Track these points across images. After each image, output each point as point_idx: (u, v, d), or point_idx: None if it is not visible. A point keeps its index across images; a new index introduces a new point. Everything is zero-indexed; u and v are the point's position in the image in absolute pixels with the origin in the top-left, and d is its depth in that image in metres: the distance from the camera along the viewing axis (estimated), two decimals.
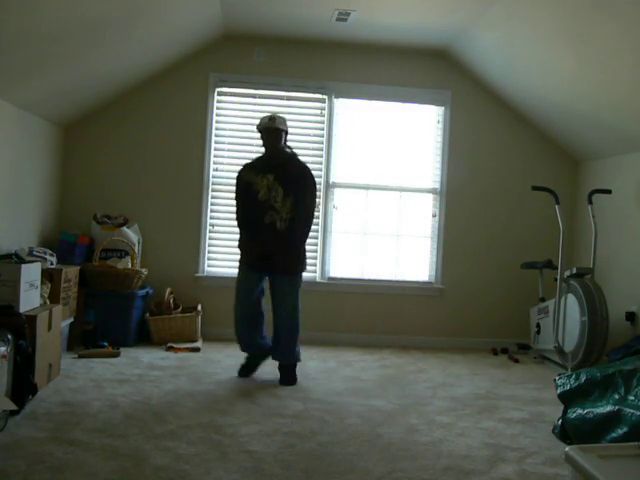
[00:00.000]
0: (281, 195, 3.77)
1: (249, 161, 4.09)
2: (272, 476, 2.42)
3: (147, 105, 5.13)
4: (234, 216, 4.37)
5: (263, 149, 3.91)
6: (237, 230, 4.01)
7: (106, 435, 2.75)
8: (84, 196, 5.07)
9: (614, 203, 4.78)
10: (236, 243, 4.01)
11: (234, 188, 4.01)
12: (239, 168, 4.04)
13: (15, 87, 3.81)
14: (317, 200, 3.91)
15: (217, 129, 5.25)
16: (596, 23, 3.58)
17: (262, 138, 3.85)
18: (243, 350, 4.00)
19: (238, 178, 3.96)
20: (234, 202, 4.01)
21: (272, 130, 3.79)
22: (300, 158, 3.99)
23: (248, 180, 3.85)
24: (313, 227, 5.19)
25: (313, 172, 5.20)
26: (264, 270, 3.85)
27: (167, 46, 4.75)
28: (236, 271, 3.97)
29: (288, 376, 3.85)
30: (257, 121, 5.13)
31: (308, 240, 5.20)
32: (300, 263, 3.87)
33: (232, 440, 2.78)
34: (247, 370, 3.96)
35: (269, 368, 3.97)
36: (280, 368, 3.90)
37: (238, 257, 3.97)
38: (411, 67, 5.33)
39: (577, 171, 5.48)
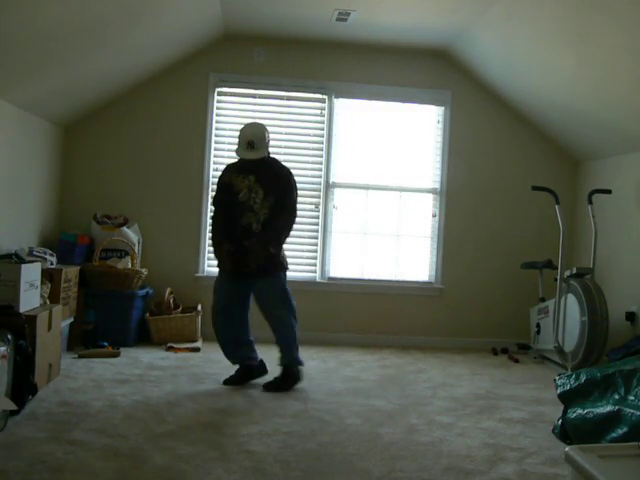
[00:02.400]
0: (261, 196, 3.63)
1: (231, 163, 3.92)
2: (272, 476, 2.42)
3: (147, 105, 5.13)
4: None
5: None
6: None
7: (106, 435, 2.75)
8: (84, 196, 5.06)
9: (614, 203, 4.78)
10: None
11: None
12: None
13: (15, 87, 3.81)
14: (297, 204, 3.78)
15: (217, 129, 5.25)
16: (596, 23, 3.58)
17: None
18: (233, 362, 3.83)
19: (219, 179, 3.82)
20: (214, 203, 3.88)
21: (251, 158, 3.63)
22: (282, 162, 3.88)
23: (229, 181, 3.72)
24: (313, 227, 5.27)
25: (313, 172, 5.30)
26: (241, 273, 3.67)
27: (167, 46, 4.75)
28: None
29: (284, 381, 3.68)
30: (257, 121, 5.17)
31: (308, 240, 5.28)
32: (278, 263, 3.71)
33: (232, 440, 2.78)
34: (234, 380, 3.76)
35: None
36: (282, 372, 3.74)
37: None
38: (411, 67, 5.32)
39: (577, 171, 5.48)
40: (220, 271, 3.79)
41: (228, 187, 3.73)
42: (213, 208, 3.90)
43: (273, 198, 3.65)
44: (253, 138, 3.61)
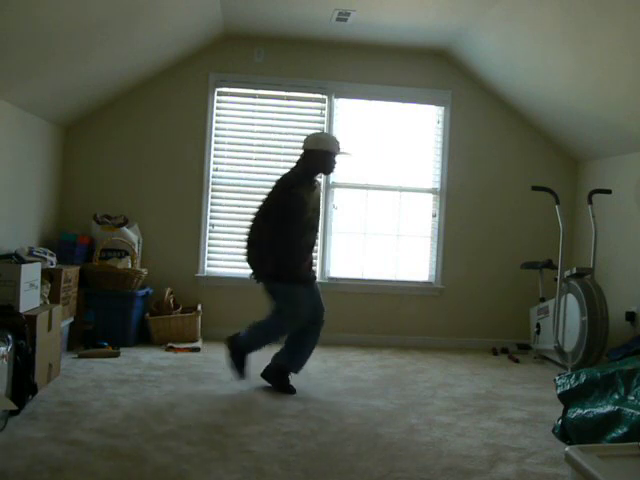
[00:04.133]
0: (317, 214, 3.77)
1: (296, 179, 3.61)
2: (272, 476, 2.42)
3: (147, 105, 5.13)
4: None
5: (306, 169, 3.61)
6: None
7: (106, 435, 2.75)
8: (84, 196, 5.06)
9: (614, 203, 4.78)
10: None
11: (279, 204, 3.57)
12: (276, 179, 3.70)
13: (15, 87, 3.81)
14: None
15: (217, 129, 5.24)
16: (596, 23, 3.59)
17: (324, 159, 3.57)
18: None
19: (301, 197, 3.53)
20: (294, 222, 3.57)
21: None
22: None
23: (308, 200, 3.56)
24: None
25: None
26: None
27: (167, 46, 4.75)
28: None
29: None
30: (257, 121, 5.16)
31: None
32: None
33: (232, 440, 2.78)
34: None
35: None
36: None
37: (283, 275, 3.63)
38: (411, 67, 5.32)
39: (577, 171, 5.48)
40: (298, 285, 3.66)
41: (307, 206, 3.57)
42: (297, 227, 3.59)
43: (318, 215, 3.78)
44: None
